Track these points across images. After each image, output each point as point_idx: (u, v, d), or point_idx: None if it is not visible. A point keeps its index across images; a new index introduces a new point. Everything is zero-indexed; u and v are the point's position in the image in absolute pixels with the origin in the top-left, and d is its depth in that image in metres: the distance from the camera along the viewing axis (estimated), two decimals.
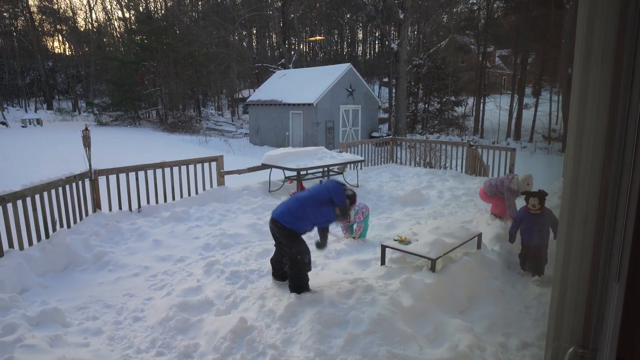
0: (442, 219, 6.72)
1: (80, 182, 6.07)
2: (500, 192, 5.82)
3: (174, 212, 6.64)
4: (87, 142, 6.24)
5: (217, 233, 5.91)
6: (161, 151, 15.49)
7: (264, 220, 6.54)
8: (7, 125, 25.77)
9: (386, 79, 35.95)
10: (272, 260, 4.20)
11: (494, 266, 4.60)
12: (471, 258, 4.41)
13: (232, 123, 31.14)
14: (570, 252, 1.11)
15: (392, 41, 23.38)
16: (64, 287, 4.44)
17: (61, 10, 43.83)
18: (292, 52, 34.07)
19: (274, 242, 4.16)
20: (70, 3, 62.71)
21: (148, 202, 7.05)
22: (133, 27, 35.49)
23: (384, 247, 4.58)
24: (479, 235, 4.88)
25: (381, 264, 4.57)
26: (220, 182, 8.14)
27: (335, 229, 5.82)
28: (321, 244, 4.08)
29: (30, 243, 4.95)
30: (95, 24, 44.93)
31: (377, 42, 47.40)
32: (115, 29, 44.76)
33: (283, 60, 28.84)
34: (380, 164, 11.75)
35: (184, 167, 7.50)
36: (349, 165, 9.91)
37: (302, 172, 8.11)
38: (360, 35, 47.68)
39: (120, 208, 6.73)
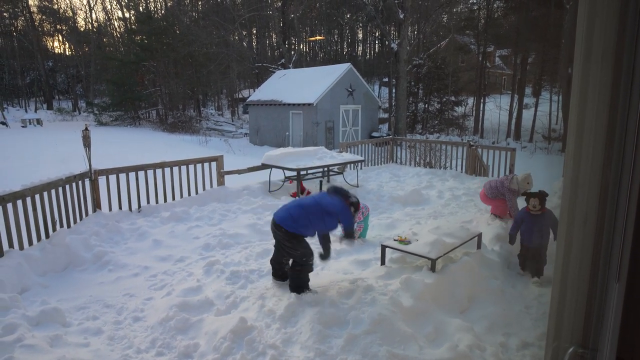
0: (442, 219, 6.72)
1: (80, 182, 6.07)
2: (501, 194, 5.81)
3: (174, 212, 6.64)
4: (87, 142, 6.24)
5: (217, 233, 5.91)
6: (161, 151, 15.49)
7: (264, 220, 6.54)
8: (7, 125, 25.78)
9: (386, 79, 35.95)
10: (272, 261, 4.20)
11: (494, 266, 4.60)
12: (471, 258, 4.41)
13: (232, 123, 31.14)
14: (570, 252, 1.11)
15: (392, 41, 23.39)
16: (64, 287, 4.44)
17: (61, 10, 43.89)
18: (292, 52, 34.08)
19: (273, 242, 4.16)
20: (70, 3, 62.80)
21: (148, 202, 7.05)
22: (133, 27, 35.50)
23: (384, 247, 4.58)
24: (479, 235, 4.88)
25: (381, 264, 4.57)
26: (220, 182, 8.14)
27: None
28: (324, 256, 4.06)
29: (30, 243, 4.95)
30: (95, 24, 44.99)
31: (377, 42, 47.42)
32: (115, 29, 44.82)
33: (283, 60, 28.84)
34: (380, 164, 11.75)
35: (184, 167, 7.50)
36: (349, 165, 9.91)
37: (302, 172, 8.11)
38: (360, 35, 47.72)
39: (120, 208, 6.73)
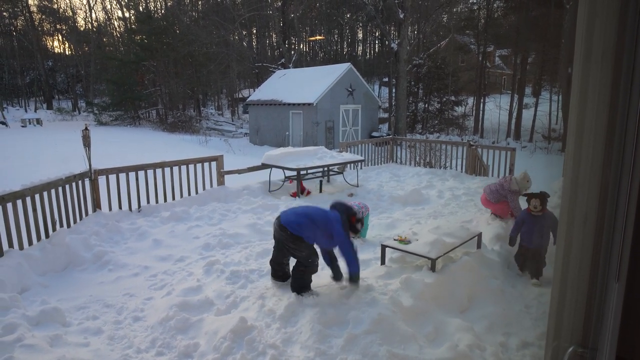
0: (442, 219, 6.72)
1: (80, 182, 6.07)
2: (503, 196, 5.80)
3: (174, 212, 6.64)
4: (87, 141, 6.24)
5: (217, 233, 5.91)
6: (161, 151, 15.49)
7: (264, 220, 6.54)
8: (7, 125, 25.77)
9: (386, 79, 35.95)
10: (272, 262, 4.16)
11: (494, 266, 4.60)
12: (471, 258, 4.41)
13: (232, 123, 31.14)
14: (570, 251, 1.11)
15: (392, 41, 23.39)
16: (64, 286, 4.44)
17: (61, 10, 43.88)
18: (292, 52, 34.08)
19: (273, 242, 4.15)
20: (70, 3, 62.80)
21: (148, 201, 7.05)
22: (133, 26, 35.50)
23: (384, 247, 4.58)
24: (479, 235, 4.88)
25: (381, 264, 4.57)
26: (220, 182, 8.14)
27: None
28: (336, 277, 4.00)
29: (30, 243, 4.95)
30: (95, 24, 44.98)
31: (377, 42, 47.42)
32: (115, 28, 44.81)
33: (283, 60, 28.84)
34: (380, 164, 11.76)
35: (184, 167, 7.50)
36: (349, 165, 9.91)
37: (302, 172, 8.11)
38: (360, 35, 47.72)
39: (120, 208, 6.73)
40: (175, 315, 3.63)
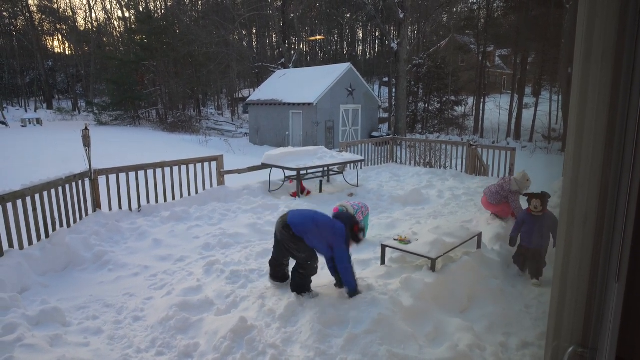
0: (442, 219, 6.72)
1: (80, 182, 6.07)
2: (504, 198, 5.80)
3: (174, 212, 6.64)
4: (87, 141, 6.24)
5: (217, 233, 5.91)
6: (161, 151, 15.50)
7: (264, 220, 6.54)
8: (7, 125, 25.78)
9: (386, 79, 35.94)
10: (271, 262, 4.14)
11: (494, 266, 4.61)
12: (471, 258, 4.42)
13: (232, 123, 31.14)
14: (570, 251, 1.11)
15: (392, 41, 23.39)
16: (64, 286, 4.44)
17: (61, 10, 43.88)
18: (292, 52, 34.07)
19: (273, 242, 4.14)
20: (70, 3, 62.75)
21: (148, 201, 7.05)
22: (133, 26, 35.49)
23: (384, 247, 4.58)
24: (479, 235, 4.88)
25: (381, 264, 4.57)
26: (220, 182, 8.14)
27: None
28: (340, 285, 3.90)
29: (30, 243, 4.95)
30: (95, 24, 44.97)
31: (377, 42, 47.41)
32: (115, 28, 44.80)
33: (283, 60, 28.83)
34: (380, 164, 11.76)
35: (184, 167, 7.50)
36: (349, 165, 9.91)
37: (302, 172, 8.11)
38: (360, 35, 47.70)
39: (120, 208, 6.73)
40: (175, 315, 3.63)
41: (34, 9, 40.23)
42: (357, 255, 5.15)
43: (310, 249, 3.80)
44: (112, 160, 9.41)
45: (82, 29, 44.54)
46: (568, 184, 1.11)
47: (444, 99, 27.91)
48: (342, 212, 4.10)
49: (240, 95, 36.45)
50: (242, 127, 28.48)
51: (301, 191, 8.14)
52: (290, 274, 4.06)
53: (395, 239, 4.57)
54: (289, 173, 8.56)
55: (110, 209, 6.58)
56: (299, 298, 3.68)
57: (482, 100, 27.98)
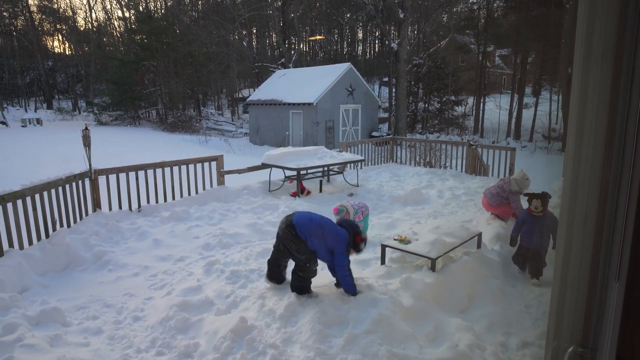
0: (442, 219, 6.72)
1: (80, 182, 6.07)
2: (505, 198, 5.79)
3: (174, 212, 6.64)
4: (87, 141, 6.24)
5: (217, 233, 5.91)
6: (161, 151, 15.50)
7: (264, 219, 6.54)
8: (7, 125, 25.78)
9: (386, 79, 35.94)
10: (269, 262, 4.12)
11: (494, 266, 4.61)
12: (471, 257, 4.42)
13: (232, 123, 31.13)
14: (570, 251, 1.11)
15: (392, 41, 23.39)
16: (64, 286, 4.44)
17: (61, 10, 43.88)
18: (292, 52, 34.07)
19: (273, 242, 4.14)
20: (70, 3, 62.74)
21: (148, 201, 7.05)
22: (133, 26, 35.50)
23: (384, 247, 4.58)
24: (479, 235, 4.88)
25: (381, 264, 4.57)
26: (220, 182, 8.14)
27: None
28: (339, 286, 3.93)
29: (30, 243, 4.95)
30: (95, 24, 44.98)
31: (377, 42, 47.40)
32: (115, 28, 44.81)
33: (283, 60, 28.83)
34: (380, 164, 11.76)
35: (184, 167, 7.50)
36: (349, 165, 9.91)
37: (302, 172, 8.11)
38: (360, 35, 47.70)
39: (120, 208, 6.73)
40: (175, 315, 3.63)
41: (34, 9, 40.30)
42: (358, 255, 5.15)
43: (310, 251, 3.80)
44: (112, 160, 9.41)
45: (82, 29, 44.59)
46: (568, 184, 1.11)
47: (444, 98, 27.91)
48: (346, 221, 4.13)
49: (240, 95, 36.45)
50: (242, 127, 28.48)
51: (301, 191, 8.14)
52: (287, 276, 4.06)
53: (395, 239, 4.57)
54: (289, 173, 8.56)
55: (110, 209, 6.58)
56: (299, 298, 3.68)
57: (482, 100, 27.97)
